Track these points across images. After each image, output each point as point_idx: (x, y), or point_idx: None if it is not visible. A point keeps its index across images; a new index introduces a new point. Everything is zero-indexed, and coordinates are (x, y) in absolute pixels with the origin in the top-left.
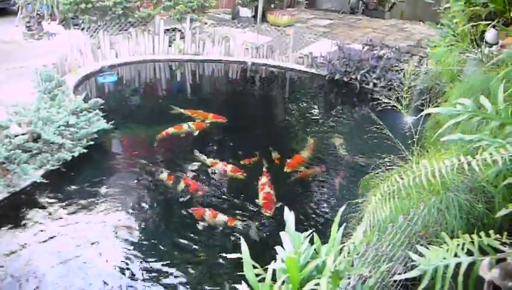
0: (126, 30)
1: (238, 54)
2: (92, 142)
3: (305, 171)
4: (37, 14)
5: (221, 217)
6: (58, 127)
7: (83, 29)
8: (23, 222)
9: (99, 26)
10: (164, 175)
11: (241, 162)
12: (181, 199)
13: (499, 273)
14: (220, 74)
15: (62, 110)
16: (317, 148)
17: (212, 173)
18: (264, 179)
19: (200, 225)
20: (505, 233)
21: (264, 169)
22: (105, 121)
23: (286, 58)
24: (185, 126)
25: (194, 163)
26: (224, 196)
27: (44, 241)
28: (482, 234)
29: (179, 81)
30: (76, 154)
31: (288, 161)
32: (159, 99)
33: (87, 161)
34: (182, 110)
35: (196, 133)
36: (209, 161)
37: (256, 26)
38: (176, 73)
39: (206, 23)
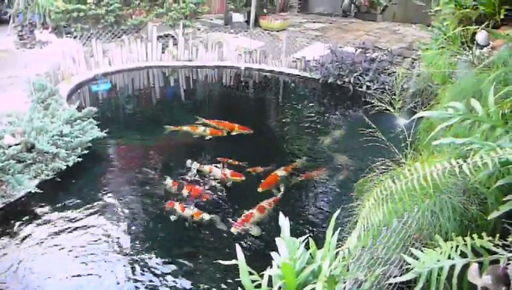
0: (119, 37)
1: (231, 59)
2: (86, 151)
3: (307, 174)
4: (29, 23)
5: (188, 211)
6: (52, 136)
7: (75, 37)
8: (18, 233)
9: (91, 34)
10: (169, 181)
11: (218, 159)
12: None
13: (491, 279)
14: (214, 80)
15: (56, 119)
16: (313, 152)
17: (212, 178)
18: (267, 201)
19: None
20: (498, 235)
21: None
22: (99, 129)
23: (279, 62)
24: (201, 129)
25: (192, 170)
26: (223, 200)
27: (39, 252)
28: (475, 236)
29: (173, 88)
30: (70, 163)
31: (262, 180)
32: (153, 106)
33: (82, 170)
34: (207, 121)
35: (208, 138)
36: (206, 167)
37: (249, 31)
38: (170, 80)
39: (199, 29)
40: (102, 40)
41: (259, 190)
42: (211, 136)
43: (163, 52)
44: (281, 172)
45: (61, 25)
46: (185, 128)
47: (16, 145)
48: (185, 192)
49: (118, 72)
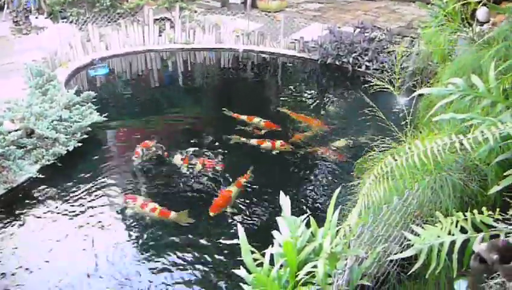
0: (115, 21)
1: (229, 41)
2: (86, 136)
3: (310, 150)
4: (23, 8)
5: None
6: (52, 121)
7: (71, 22)
8: (21, 218)
9: (87, 18)
10: (178, 158)
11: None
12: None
13: (486, 246)
14: (212, 62)
15: (54, 104)
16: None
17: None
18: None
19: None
20: (498, 209)
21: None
22: (98, 114)
23: (277, 44)
24: (256, 120)
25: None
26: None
27: (41, 237)
28: (475, 211)
29: (171, 72)
30: (71, 148)
31: (213, 201)
32: (152, 90)
33: (82, 154)
34: (287, 111)
35: (262, 132)
36: (253, 140)
37: (246, 13)
38: (167, 63)
39: (195, 11)
40: (98, 24)
41: (211, 213)
42: (265, 130)
43: (160, 36)
44: (233, 188)
45: (57, 9)
46: (242, 117)
47: (16, 131)
48: (198, 167)
49: (115, 56)
